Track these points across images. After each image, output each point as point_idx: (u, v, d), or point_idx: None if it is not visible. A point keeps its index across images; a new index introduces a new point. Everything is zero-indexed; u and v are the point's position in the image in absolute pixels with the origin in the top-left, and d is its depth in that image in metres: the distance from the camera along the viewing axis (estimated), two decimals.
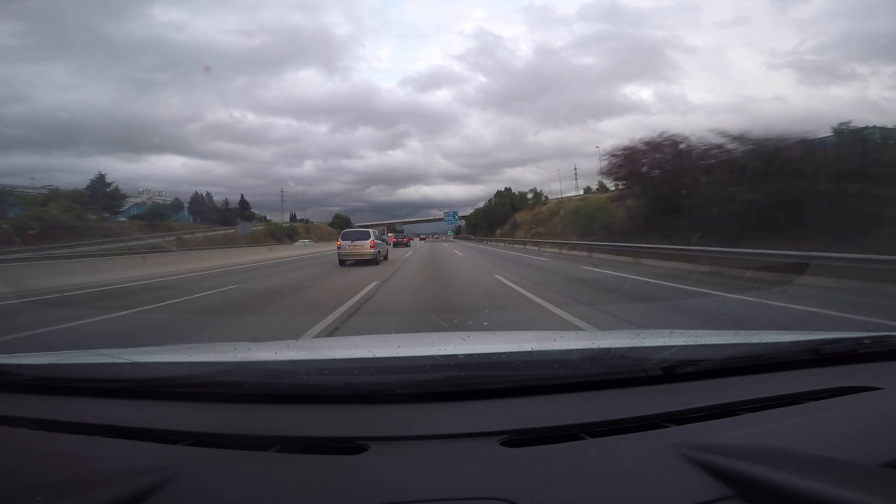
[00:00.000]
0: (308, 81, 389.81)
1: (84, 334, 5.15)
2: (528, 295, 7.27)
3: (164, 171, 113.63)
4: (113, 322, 5.78)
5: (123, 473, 0.84)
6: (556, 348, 1.50)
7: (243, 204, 72.15)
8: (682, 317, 5.74)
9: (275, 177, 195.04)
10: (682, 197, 16.72)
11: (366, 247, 14.95)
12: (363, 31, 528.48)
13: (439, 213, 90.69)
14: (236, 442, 0.99)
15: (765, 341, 1.52)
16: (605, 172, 22.91)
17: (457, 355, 1.27)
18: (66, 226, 33.10)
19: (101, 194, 47.78)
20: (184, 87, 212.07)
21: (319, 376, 1.26)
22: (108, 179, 48.27)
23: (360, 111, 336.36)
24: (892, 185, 11.81)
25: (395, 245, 31.81)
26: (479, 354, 1.39)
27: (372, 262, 14.87)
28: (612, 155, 21.69)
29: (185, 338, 4.50)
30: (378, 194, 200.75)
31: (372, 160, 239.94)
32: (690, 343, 1.44)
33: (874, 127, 14.60)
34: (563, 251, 22.32)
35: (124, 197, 51.67)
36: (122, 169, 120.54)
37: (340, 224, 76.48)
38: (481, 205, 70.38)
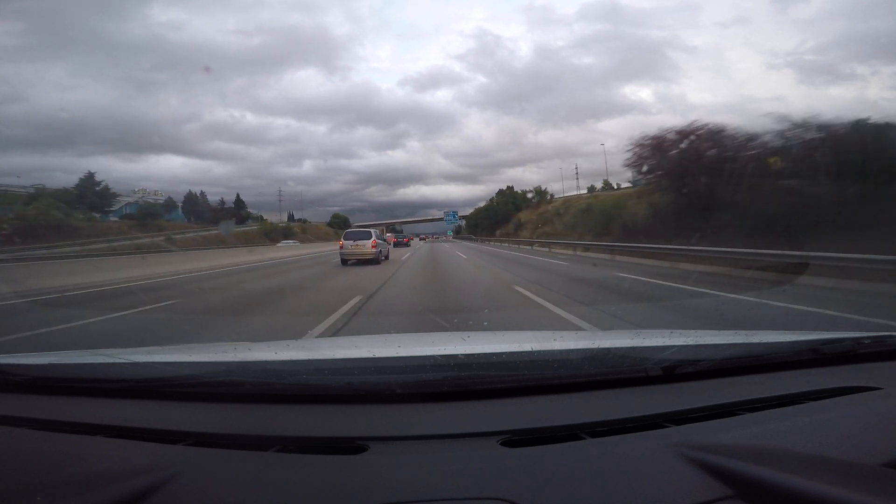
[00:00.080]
0: (307, 81, 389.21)
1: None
2: (585, 325, 4.88)
3: (163, 172, 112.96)
4: None
5: (123, 473, 0.84)
6: (556, 348, 1.49)
7: (239, 203, 70.29)
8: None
9: (274, 177, 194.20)
10: (725, 191, 14.52)
11: (367, 246, 15.14)
12: (363, 30, 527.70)
13: (439, 213, 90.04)
14: (236, 442, 0.98)
15: (765, 341, 1.52)
16: (631, 164, 20.16)
17: (457, 355, 1.26)
18: (48, 226, 32.06)
19: (90, 193, 46.64)
20: (183, 87, 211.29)
21: (319, 376, 1.26)
22: (99, 178, 47.13)
23: (360, 111, 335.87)
24: None
25: (396, 245, 31.41)
26: (479, 354, 1.39)
27: (373, 261, 15.04)
28: (639, 144, 19.19)
29: None
30: (378, 194, 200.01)
31: (371, 160, 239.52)
32: (690, 343, 1.44)
33: None
34: (578, 252, 20.13)
35: (114, 196, 50.19)
36: (122, 169, 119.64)
37: (339, 224, 75.76)
38: (481, 204, 68.90)
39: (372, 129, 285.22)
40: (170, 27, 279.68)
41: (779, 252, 9.38)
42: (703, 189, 15.50)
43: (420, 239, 73.50)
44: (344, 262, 15.11)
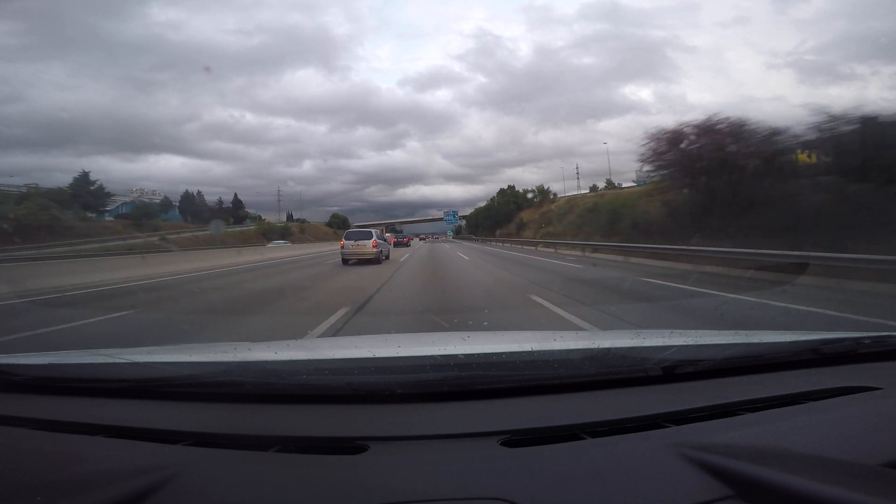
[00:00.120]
0: (307, 81, 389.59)
1: None
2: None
3: (163, 172, 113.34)
4: None
5: (123, 473, 0.84)
6: (556, 348, 1.48)
7: (236, 203, 69.41)
8: None
9: (274, 177, 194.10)
10: (750, 189, 13.55)
11: (368, 246, 15.24)
12: (362, 30, 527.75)
13: (438, 213, 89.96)
14: (236, 442, 0.98)
15: (765, 341, 1.52)
16: (645, 159, 18.53)
17: (457, 355, 1.26)
18: (39, 225, 31.18)
19: (85, 193, 45.73)
20: (182, 87, 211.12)
21: (319, 376, 1.25)
22: (94, 178, 46.15)
23: (360, 111, 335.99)
24: None
25: (396, 245, 31.30)
26: (479, 354, 1.38)
27: (374, 261, 15.14)
28: (654, 138, 17.57)
29: None
30: (377, 194, 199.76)
31: (371, 160, 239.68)
32: (690, 343, 1.44)
33: None
34: (587, 254, 19.03)
35: (109, 195, 49.26)
36: (121, 169, 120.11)
37: (338, 224, 75.44)
38: (481, 204, 68.09)
39: (372, 129, 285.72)
40: (169, 27, 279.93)
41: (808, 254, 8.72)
42: (725, 186, 14.33)
43: (420, 239, 73.32)
44: (345, 261, 15.19)
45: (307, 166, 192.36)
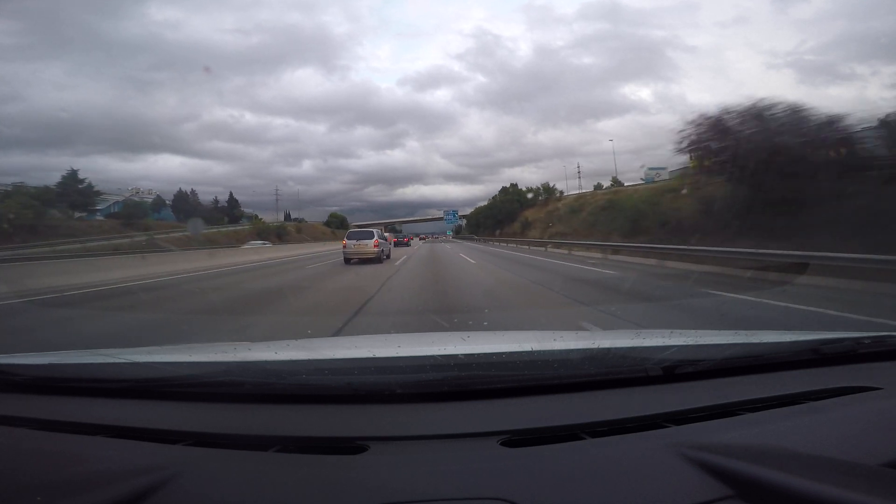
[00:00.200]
0: (306, 81, 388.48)
1: None
2: None
3: (161, 171, 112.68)
4: None
5: (123, 473, 0.83)
6: (556, 348, 1.48)
7: (232, 202, 67.68)
8: None
9: (273, 176, 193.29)
10: (814, 184, 11.49)
11: (370, 246, 15.39)
12: (362, 30, 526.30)
13: (438, 213, 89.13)
14: (236, 442, 0.98)
15: (765, 341, 1.51)
16: (685, 148, 15.95)
17: (457, 355, 1.26)
18: (20, 225, 29.82)
19: (73, 191, 44.02)
20: (181, 87, 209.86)
21: (319, 376, 1.25)
22: (83, 176, 43.97)
23: (359, 111, 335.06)
24: None
25: (396, 245, 31.01)
26: (479, 354, 1.38)
27: (375, 260, 15.30)
28: (695, 124, 15.20)
29: None
30: (377, 194, 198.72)
31: (370, 160, 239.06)
32: (690, 343, 1.43)
33: None
34: (609, 256, 16.54)
35: (98, 194, 47.28)
36: (120, 168, 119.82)
37: (336, 223, 74.79)
38: (481, 204, 66.34)
39: (371, 129, 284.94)
40: (167, 26, 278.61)
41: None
42: (779, 179, 12.24)
43: (420, 239, 72.79)
44: (347, 260, 15.36)
45: (306, 166, 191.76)
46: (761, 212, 12.53)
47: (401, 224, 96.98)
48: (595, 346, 1.44)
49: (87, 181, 44.93)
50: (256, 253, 22.70)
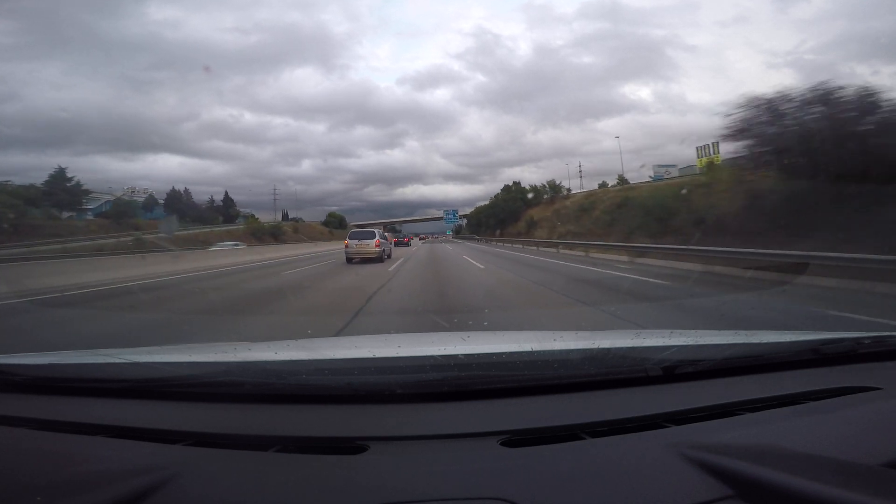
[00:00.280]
0: (306, 80, 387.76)
1: None
2: None
3: (161, 171, 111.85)
4: None
5: (123, 473, 0.83)
6: (556, 348, 1.48)
7: (227, 201, 66.64)
8: None
9: (273, 176, 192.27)
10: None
11: (371, 245, 15.58)
12: (361, 29, 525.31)
13: (438, 213, 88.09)
14: (236, 442, 0.98)
15: (765, 341, 1.51)
16: (730, 135, 13.71)
17: (457, 355, 1.25)
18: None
19: (60, 190, 42.95)
20: (180, 86, 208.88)
21: (319, 376, 1.24)
22: (70, 174, 42.94)
23: (358, 110, 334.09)
24: None
25: (396, 245, 30.90)
26: (479, 354, 1.37)
27: (377, 259, 15.45)
28: (748, 107, 12.99)
29: None
30: (376, 194, 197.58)
31: (370, 159, 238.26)
32: (690, 343, 1.43)
33: None
34: (636, 260, 14.25)
35: (87, 193, 45.91)
36: (120, 168, 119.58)
37: (334, 223, 74.00)
38: (482, 203, 64.86)
39: (370, 129, 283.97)
40: (166, 25, 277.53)
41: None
42: (853, 169, 10.34)
43: (420, 239, 72.46)
44: (349, 259, 15.43)
45: (306, 166, 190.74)
46: (832, 208, 10.65)
47: (400, 224, 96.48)
48: (595, 346, 1.43)
49: (75, 179, 43.73)
50: (227, 256, 19.25)
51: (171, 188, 60.36)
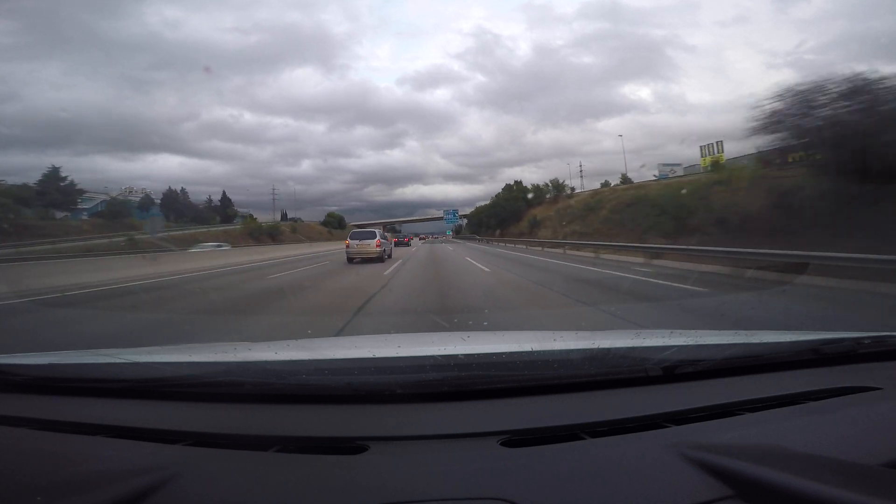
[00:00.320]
0: (305, 80, 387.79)
1: None
2: None
3: (161, 171, 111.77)
4: None
5: (123, 473, 0.83)
6: (556, 348, 1.47)
7: (225, 201, 65.73)
8: None
9: (272, 176, 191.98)
10: None
11: (372, 245, 15.71)
12: (361, 29, 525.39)
13: (438, 213, 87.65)
14: (236, 442, 0.98)
15: (765, 341, 1.50)
16: (760, 128, 12.46)
17: (457, 355, 1.25)
18: None
19: (53, 189, 42.36)
20: (180, 86, 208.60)
21: (319, 376, 1.24)
22: (64, 173, 42.78)
23: (358, 110, 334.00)
24: None
25: (397, 245, 30.90)
26: (479, 354, 1.37)
27: (377, 259, 15.56)
28: (781, 98, 11.91)
29: None
30: (376, 193, 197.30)
31: (370, 160, 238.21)
32: (690, 343, 1.42)
33: None
34: (653, 262, 13.32)
35: (81, 192, 45.70)
36: (119, 168, 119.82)
37: (333, 223, 73.64)
38: (482, 203, 64.30)
39: (370, 129, 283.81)
40: (166, 25, 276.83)
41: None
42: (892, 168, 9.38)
43: (420, 239, 72.30)
44: (350, 259, 15.57)
45: (306, 166, 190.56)
46: (872, 205, 9.79)
47: (400, 224, 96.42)
48: (595, 346, 1.43)
49: (68, 179, 43.20)
50: (210, 258, 17.93)
51: (167, 188, 59.56)
